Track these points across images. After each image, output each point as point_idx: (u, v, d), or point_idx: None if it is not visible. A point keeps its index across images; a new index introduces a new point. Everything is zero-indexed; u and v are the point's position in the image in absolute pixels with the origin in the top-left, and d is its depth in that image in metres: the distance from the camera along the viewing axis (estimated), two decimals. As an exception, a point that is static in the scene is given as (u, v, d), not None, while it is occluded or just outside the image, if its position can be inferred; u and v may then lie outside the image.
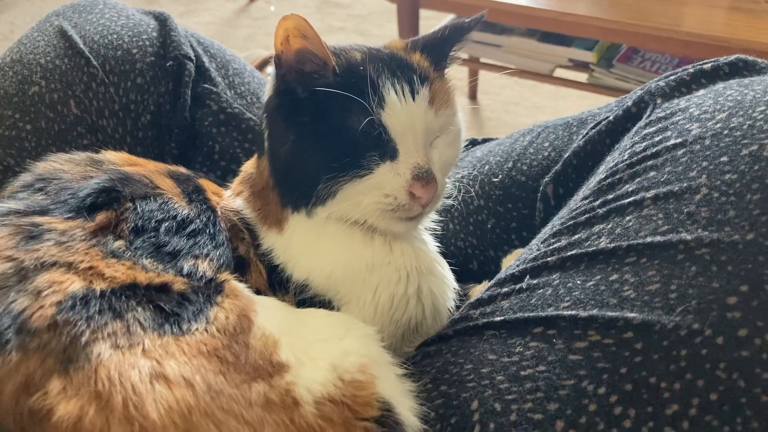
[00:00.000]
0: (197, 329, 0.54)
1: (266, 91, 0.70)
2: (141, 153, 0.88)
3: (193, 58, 0.96)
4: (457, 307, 0.75)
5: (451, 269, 0.77)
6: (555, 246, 0.64)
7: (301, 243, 0.69)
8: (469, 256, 0.94)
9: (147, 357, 0.50)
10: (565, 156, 0.80)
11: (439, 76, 0.70)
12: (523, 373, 0.57)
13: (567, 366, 0.56)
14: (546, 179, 0.82)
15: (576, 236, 0.63)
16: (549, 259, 0.63)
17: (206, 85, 0.96)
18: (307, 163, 0.66)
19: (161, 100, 0.93)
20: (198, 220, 0.67)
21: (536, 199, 0.84)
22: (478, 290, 0.81)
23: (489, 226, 0.92)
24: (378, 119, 0.63)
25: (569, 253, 0.62)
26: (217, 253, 0.65)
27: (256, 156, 0.74)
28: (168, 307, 0.54)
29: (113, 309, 0.52)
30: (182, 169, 0.75)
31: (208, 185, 0.74)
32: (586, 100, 2.35)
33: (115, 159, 0.71)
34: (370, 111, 0.63)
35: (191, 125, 0.95)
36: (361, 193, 0.65)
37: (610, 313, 0.56)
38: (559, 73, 2.08)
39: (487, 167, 0.94)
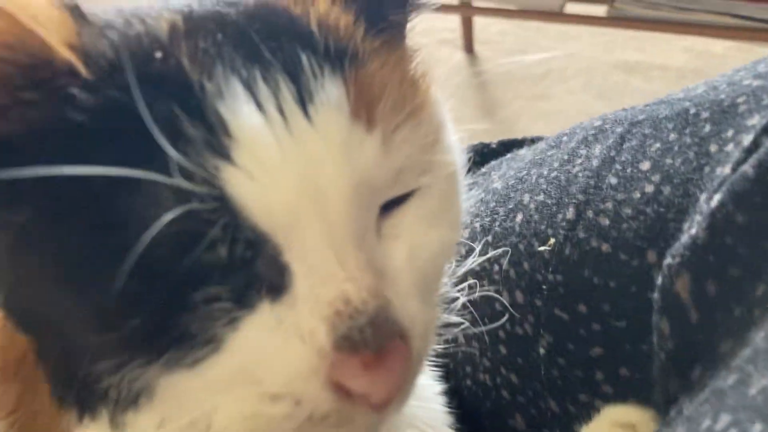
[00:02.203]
0: None
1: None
2: None
3: None
4: None
5: None
6: None
7: None
8: (507, 405, 0.46)
9: None
10: (710, 201, 0.33)
11: (387, 46, 0.31)
12: None
13: None
14: (669, 259, 0.34)
15: None
16: None
17: None
18: (57, 315, 0.28)
19: None
20: None
21: (644, 299, 0.36)
22: None
23: (541, 348, 0.43)
24: (216, 191, 0.25)
25: None
26: None
27: None
28: None
29: None
30: None
31: None
32: (603, 37, 2.11)
33: None
34: (185, 171, 0.25)
35: None
36: (210, 392, 0.27)
37: None
38: (570, 8, 1.76)
39: (520, 220, 0.46)
